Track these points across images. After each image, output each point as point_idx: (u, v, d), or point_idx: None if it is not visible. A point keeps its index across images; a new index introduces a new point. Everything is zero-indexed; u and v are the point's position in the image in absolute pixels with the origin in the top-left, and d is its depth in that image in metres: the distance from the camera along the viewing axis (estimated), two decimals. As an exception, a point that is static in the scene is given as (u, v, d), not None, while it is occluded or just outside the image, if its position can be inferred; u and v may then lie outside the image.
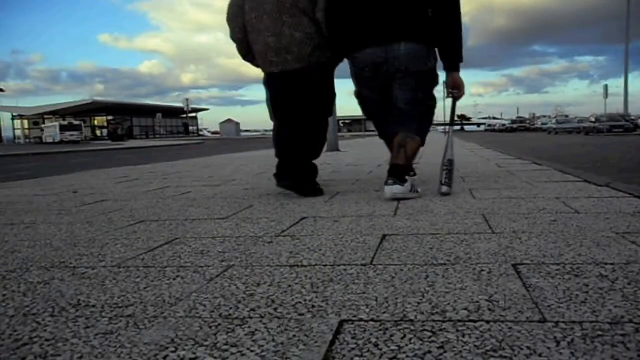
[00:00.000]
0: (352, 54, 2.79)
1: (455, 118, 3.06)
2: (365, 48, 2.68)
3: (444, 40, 2.68)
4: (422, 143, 2.77)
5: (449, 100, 2.90)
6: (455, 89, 2.78)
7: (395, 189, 2.54)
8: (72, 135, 38.26)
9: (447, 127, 3.16)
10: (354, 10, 2.70)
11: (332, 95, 3.03)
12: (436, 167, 3.00)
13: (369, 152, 8.20)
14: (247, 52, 3.03)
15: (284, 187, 2.95)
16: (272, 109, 3.06)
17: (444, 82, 2.81)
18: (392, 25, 2.62)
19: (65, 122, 41.94)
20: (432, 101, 2.86)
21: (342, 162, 5.75)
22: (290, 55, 2.80)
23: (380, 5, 2.64)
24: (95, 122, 53.64)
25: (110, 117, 52.86)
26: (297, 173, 2.89)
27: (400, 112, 2.74)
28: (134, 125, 53.48)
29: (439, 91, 2.92)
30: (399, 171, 2.59)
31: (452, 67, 2.72)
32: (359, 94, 3.00)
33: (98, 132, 52.38)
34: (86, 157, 14.19)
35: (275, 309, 1.06)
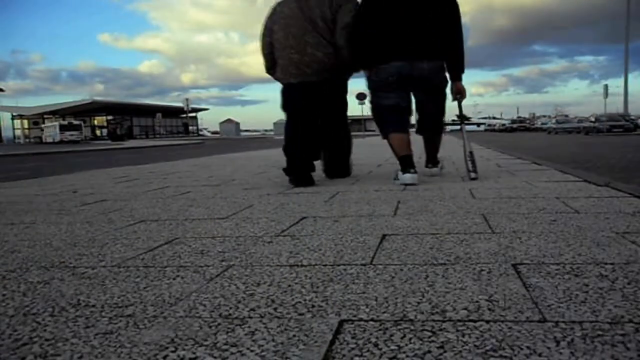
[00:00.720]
0: (378, 65, 3.28)
1: (456, 118, 3.80)
2: (392, 61, 3.22)
3: (451, 58, 3.33)
4: (441, 132, 3.68)
5: (453, 103, 3.53)
6: (459, 94, 3.45)
7: (433, 171, 3.65)
8: (72, 135, 38.29)
9: (449, 126, 4.29)
10: (384, 31, 3.24)
11: (345, 101, 3.67)
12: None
13: (369, 152, 8.20)
14: (271, 66, 3.55)
15: (298, 186, 3.36)
16: (287, 114, 3.54)
17: (450, 88, 3.44)
18: (418, 47, 3.22)
19: (65, 122, 41.95)
20: (445, 102, 3.52)
21: (342, 162, 5.74)
22: (310, 70, 3.34)
23: (408, 30, 3.21)
24: (95, 122, 53.62)
25: (110, 117, 52.85)
26: (301, 168, 3.41)
27: (427, 116, 3.51)
28: (134, 125, 53.46)
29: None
30: (434, 157, 3.68)
31: (457, 77, 3.40)
32: (374, 100, 3.46)
33: (98, 132, 52.37)
34: (86, 157, 14.19)
35: (275, 309, 1.06)
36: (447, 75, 3.37)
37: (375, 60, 3.28)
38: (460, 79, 3.40)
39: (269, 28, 3.47)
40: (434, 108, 3.47)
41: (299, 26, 3.32)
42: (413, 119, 3.62)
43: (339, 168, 3.71)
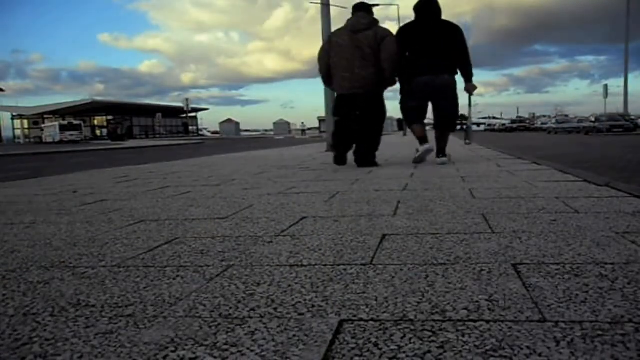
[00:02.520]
0: (414, 78, 4.76)
1: (458, 120, 5.20)
2: (424, 76, 4.71)
3: (463, 69, 4.82)
4: (453, 130, 5.17)
5: (463, 106, 5.34)
6: (470, 89, 4.96)
7: (443, 160, 4.82)
8: (72, 135, 38.31)
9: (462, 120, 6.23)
10: (417, 56, 4.76)
11: (383, 109, 4.98)
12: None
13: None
14: (328, 80, 5.05)
15: (341, 165, 4.94)
16: (338, 116, 5.01)
17: (464, 88, 4.94)
18: (439, 64, 4.70)
19: (65, 122, 41.94)
20: (457, 106, 5.01)
21: (342, 162, 5.74)
22: (358, 84, 4.72)
23: (433, 54, 4.69)
24: (95, 122, 53.60)
25: (110, 117, 52.84)
26: (343, 155, 4.99)
27: (441, 114, 4.95)
28: (134, 125, 53.43)
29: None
30: (443, 150, 4.91)
31: (468, 80, 4.87)
32: (404, 101, 4.95)
33: (98, 132, 52.36)
34: (86, 157, 14.19)
35: (275, 309, 1.06)
36: (456, 86, 4.86)
37: (412, 75, 4.77)
38: (470, 81, 4.88)
39: (327, 52, 4.87)
40: (448, 108, 4.90)
41: (350, 53, 4.69)
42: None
43: (368, 159, 4.89)
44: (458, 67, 4.79)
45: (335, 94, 5.07)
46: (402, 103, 4.97)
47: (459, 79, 4.87)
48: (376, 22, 4.80)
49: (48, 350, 0.89)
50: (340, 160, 4.98)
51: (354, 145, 4.94)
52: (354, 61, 4.67)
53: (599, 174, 3.83)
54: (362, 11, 4.82)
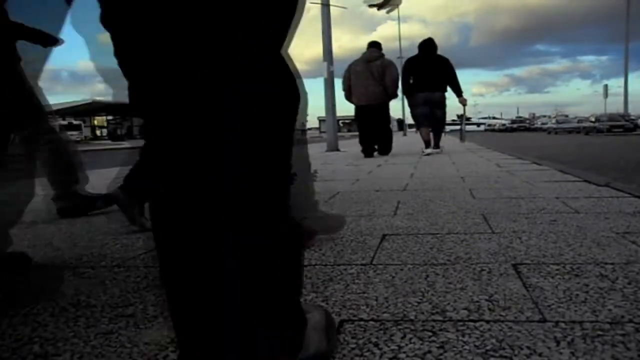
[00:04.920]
0: (416, 93, 6.71)
1: (456, 118, 8.41)
2: (424, 92, 6.61)
3: (453, 88, 6.76)
4: (443, 129, 7.32)
5: (458, 107, 8.58)
6: (463, 101, 7.23)
7: (437, 150, 6.91)
8: (72, 135, 38.31)
9: (449, 126, 8.22)
10: (418, 78, 6.71)
11: (389, 114, 7.23)
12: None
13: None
14: (348, 95, 7.10)
15: (368, 157, 6.80)
16: (358, 121, 7.13)
17: (458, 101, 7.21)
18: (434, 85, 6.63)
19: (65, 122, 41.92)
20: (445, 113, 6.98)
21: (342, 162, 5.75)
22: (371, 98, 6.82)
23: (429, 77, 6.63)
24: (95, 122, 53.59)
25: (110, 117, 52.82)
26: (374, 148, 7.06)
27: (436, 119, 6.82)
28: (134, 125, 53.39)
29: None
30: (437, 144, 7.04)
31: (459, 95, 6.92)
32: (412, 110, 6.91)
33: (98, 132, 52.36)
34: (86, 157, 14.17)
35: (275, 309, 1.06)
36: (445, 99, 6.84)
37: (415, 91, 6.70)
38: (461, 96, 6.96)
39: (348, 77, 7.03)
40: (440, 115, 6.85)
41: (365, 76, 6.83)
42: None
43: (385, 149, 7.12)
44: (450, 87, 6.74)
45: (354, 106, 7.13)
46: (412, 111, 6.97)
47: (451, 94, 6.89)
48: (383, 55, 7.01)
49: (48, 350, 0.89)
50: (368, 153, 6.92)
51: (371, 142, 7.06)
52: (368, 81, 6.82)
53: (599, 174, 3.83)
54: (374, 47, 7.00)
